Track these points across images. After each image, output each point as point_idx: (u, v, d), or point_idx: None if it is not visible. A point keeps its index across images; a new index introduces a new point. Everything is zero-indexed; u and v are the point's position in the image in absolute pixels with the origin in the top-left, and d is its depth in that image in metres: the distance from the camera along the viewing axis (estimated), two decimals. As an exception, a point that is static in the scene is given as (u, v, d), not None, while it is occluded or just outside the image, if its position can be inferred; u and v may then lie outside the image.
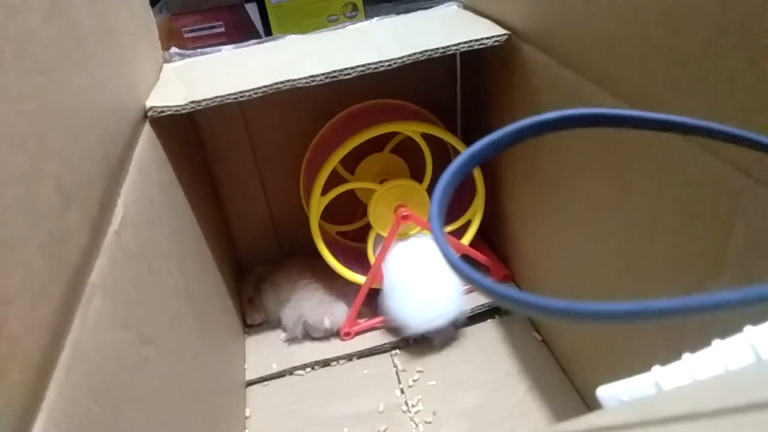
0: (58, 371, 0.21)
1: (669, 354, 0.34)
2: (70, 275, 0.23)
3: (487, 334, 0.57)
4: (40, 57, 0.24)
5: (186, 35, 0.99)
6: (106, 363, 0.25)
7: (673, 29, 0.28)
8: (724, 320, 0.28)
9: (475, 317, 0.58)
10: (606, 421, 0.15)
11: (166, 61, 0.52)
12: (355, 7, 1.03)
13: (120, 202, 0.31)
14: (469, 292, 0.56)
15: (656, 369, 0.17)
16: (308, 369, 0.56)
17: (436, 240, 0.16)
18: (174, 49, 0.53)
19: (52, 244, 0.22)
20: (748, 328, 0.17)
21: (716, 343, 0.17)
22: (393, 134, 0.56)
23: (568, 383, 0.50)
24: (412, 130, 0.52)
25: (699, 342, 0.31)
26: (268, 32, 1.01)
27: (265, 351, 0.57)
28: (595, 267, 0.41)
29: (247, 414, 0.52)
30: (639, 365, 0.40)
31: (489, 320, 0.58)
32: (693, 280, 0.30)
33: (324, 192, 0.52)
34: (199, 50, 0.54)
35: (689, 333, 0.32)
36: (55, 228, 0.23)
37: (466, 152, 0.18)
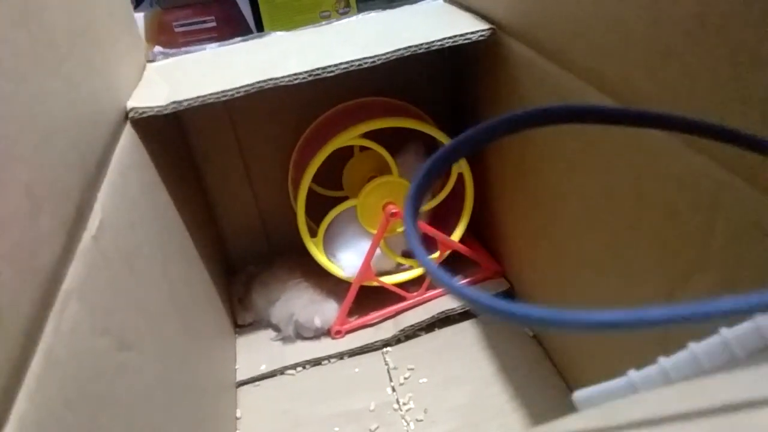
0: (28, 379, 0.21)
1: (658, 349, 0.34)
2: (42, 283, 0.23)
3: (478, 330, 0.57)
4: (7, 63, 0.24)
5: (176, 29, 0.98)
6: (82, 370, 0.25)
7: (654, 22, 0.28)
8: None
9: (466, 313, 0.57)
10: (572, 427, 0.15)
11: (150, 60, 0.52)
12: (347, 3, 1.03)
13: (98, 206, 0.31)
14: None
15: (632, 372, 0.17)
16: (299, 368, 0.55)
17: (413, 247, 0.15)
18: (158, 48, 0.53)
19: (22, 253, 0.22)
20: (724, 330, 0.16)
21: (691, 345, 0.17)
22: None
23: (559, 379, 0.50)
24: (399, 126, 0.51)
25: (688, 335, 0.31)
26: (260, 27, 1.00)
27: (255, 351, 0.57)
28: (582, 261, 0.41)
29: (238, 415, 0.52)
30: (628, 360, 0.39)
31: (480, 316, 0.58)
32: (678, 275, 0.30)
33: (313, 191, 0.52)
34: (183, 49, 0.54)
35: (673, 330, 0.31)
36: (24, 236, 0.22)
37: (438, 152, 0.17)
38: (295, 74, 0.42)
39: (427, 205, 0.56)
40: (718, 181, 0.26)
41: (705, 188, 0.27)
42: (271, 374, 0.55)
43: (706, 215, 0.27)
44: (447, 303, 0.57)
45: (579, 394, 0.17)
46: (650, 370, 0.17)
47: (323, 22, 0.59)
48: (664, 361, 0.17)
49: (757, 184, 0.24)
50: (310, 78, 0.42)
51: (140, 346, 0.32)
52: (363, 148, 0.57)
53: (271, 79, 0.41)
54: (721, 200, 0.26)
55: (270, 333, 0.59)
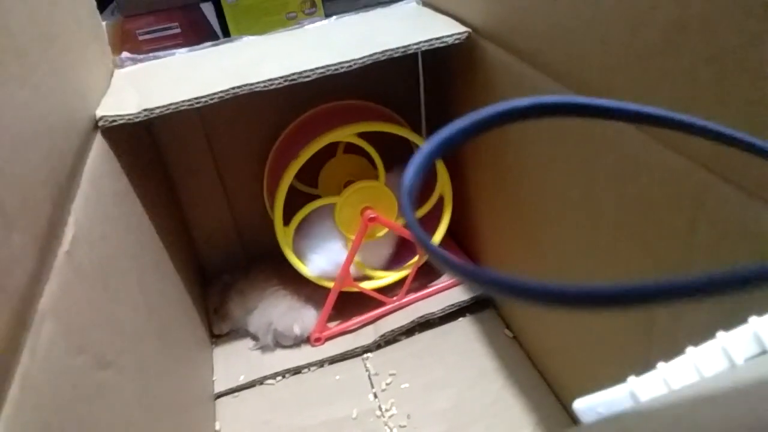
0: (6, 407, 0.20)
1: (637, 348, 0.34)
2: (16, 304, 0.22)
3: (459, 332, 0.57)
4: (-27, 72, 0.23)
5: (140, 38, 0.96)
6: (60, 393, 0.24)
7: (632, 25, 0.28)
8: (693, 322, 0.28)
9: (446, 317, 0.57)
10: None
11: (118, 66, 0.50)
12: (313, 4, 1.02)
13: (71, 219, 0.30)
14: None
15: (632, 379, 0.17)
16: (279, 377, 0.55)
17: (410, 225, 0.15)
18: (125, 54, 0.51)
19: (-6, 273, 0.21)
20: (721, 334, 0.16)
21: (690, 350, 0.17)
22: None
23: (540, 379, 0.50)
24: (376, 130, 0.51)
25: (667, 335, 0.32)
26: (226, 32, 0.99)
27: (233, 361, 0.56)
28: (563, 263, 0.41)
29: (217, 427, 0.50)
30: (608, 360, 0.40)
31: (460, 318, 0.58)
32: (660, 275, 0.30)
33: (288, 195, 0.51)
34: (152, 54, 0.52)
35: (657, 326, 0.32)
36: (-4, 255, 0.21)
37: (436, 137, 0.17)
38: (270, 79, 0.41)
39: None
40: (700, 181, 0.26)
41: (686, 189, 0.27)
42: (250, 384, 0.54)
43: (688, 215, 0.27)
44: (427, 307, 0.57)
45: (580, 403, 0.17)
46: (650, 377, 0.17)
47: (294, 25, 0.58)
48: (663, 367, 0.17)
49: (739, 185, 0.24)
50: (286, 83, 0.41)
51: (118, 364, 0.31)
52: (346, 150, 0.57)
53: (246, 85, 0.41)
54: (703, 200, 0.26)
55: (248, 342, 0.58)
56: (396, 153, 0.56)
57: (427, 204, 0.55)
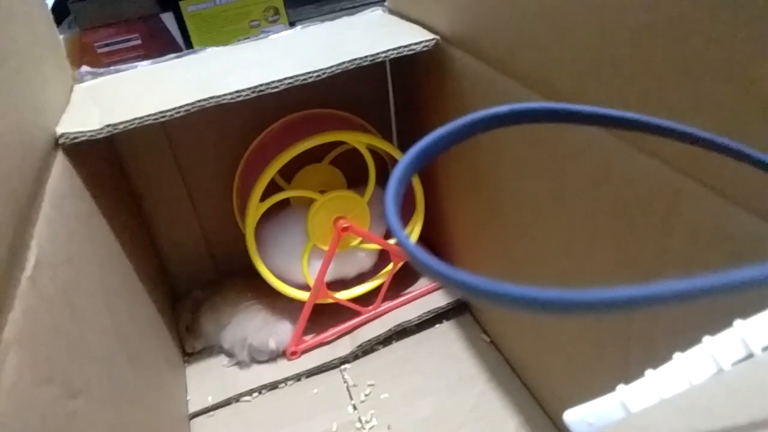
0: (-31, 448, 0.19)
1: (615, 349, 0.35)
2: (-23, 337, 0.21)
3: (436, 339, 0.57)
4: (-77, 93, 0.22)
5: (99, 50, 0.93)
6: (29, 426, 0.23)
7: (601, 30, 0.28)
8: (671, 321, 0.28)
9: (423, 324, 0.57)
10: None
11: (77, 81, 0.49)
12: (276, 11, 1.01)
13: (33, 243, 0.28)
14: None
15: (621, 388, 0.16)
16: (255, 394, 0.53)
17: (394, 230, 0.15)
18: (85, 68, 0.50)
19: (-48, 306, 0.20)
20: (707, 339, 0.16)
21: (677, 356, 0.16)
22: (331, 146, 0.55)
23: (519, 383, 0.50)
24: (349, 140, 0.51)
25: (645, 336, 0.32)
26: (188, 42, 0.97)
27: (207, 379, 0.55)
28: (538, 269, 0.41)
29: (194, 449, 0.49)
30: (586, 361, 0.40)
31: (437, 325, 0.58)
32: (635, 279, 0.30)
33: (260, 208, 0.50)
34: (113, 67, 0.51)
35: (635, 328, 0.32)
36: (-46, 286, 0.20)
37: (418, 145, 0.17)
38: (237, 91, 0.40)
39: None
40: (673, 184, 0.26)
41: (660, 191, 0.27)
42: (225, 403, 0.53)
43: (662, 218, 0.28)
44: (403, 315, 0.57)
45: (570, 415, 0.17)
46: (639, 386, 0.16)
47: (258, 33, 0.57)
48: (651, 375, 0.17)
49: (712, 187, 0.24)
50: (253, 95, 0.40)
51: (88, 392, 0.30)
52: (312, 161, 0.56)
53: (212, 98, 0.40)
54: (677, 203, 0.26)
55: (221, 359, 0.56)
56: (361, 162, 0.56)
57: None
